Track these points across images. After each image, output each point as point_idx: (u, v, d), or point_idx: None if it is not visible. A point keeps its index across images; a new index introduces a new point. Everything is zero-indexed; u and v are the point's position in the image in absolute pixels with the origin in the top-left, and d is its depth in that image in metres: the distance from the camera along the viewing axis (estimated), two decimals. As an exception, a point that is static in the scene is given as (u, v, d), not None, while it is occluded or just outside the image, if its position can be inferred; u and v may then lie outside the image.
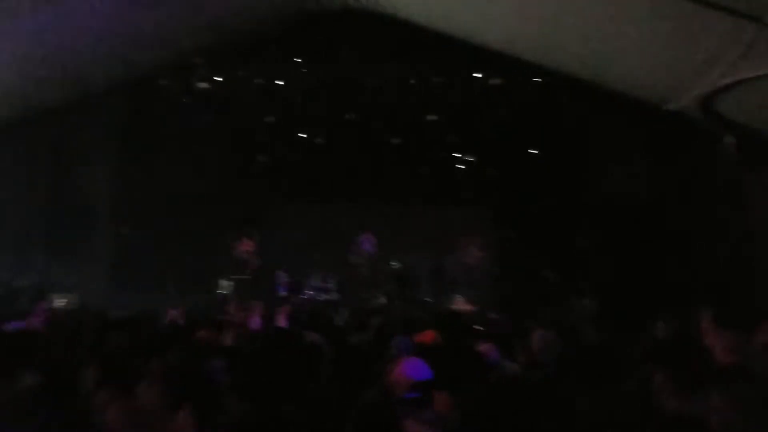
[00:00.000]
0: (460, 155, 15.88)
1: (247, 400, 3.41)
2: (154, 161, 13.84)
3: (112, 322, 6.68)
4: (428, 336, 5.05)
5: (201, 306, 12.21)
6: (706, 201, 11.87)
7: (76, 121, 12.33)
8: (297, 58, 13.52)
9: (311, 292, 14.72)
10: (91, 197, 13.43)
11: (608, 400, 3.16)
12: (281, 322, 7.62)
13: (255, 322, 7.49)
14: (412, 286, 14.57)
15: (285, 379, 3.26)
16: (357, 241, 15.78)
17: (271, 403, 3.14)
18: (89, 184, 13.31)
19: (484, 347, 4.22)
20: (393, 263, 14.83)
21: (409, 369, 3.21)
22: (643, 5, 7.86)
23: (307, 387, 3.19)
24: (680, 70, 8.93)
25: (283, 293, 14.62)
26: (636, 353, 4.92)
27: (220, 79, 13.62)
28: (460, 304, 14.29)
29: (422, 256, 15.10)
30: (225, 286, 14.62)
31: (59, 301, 11.22)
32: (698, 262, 11.37)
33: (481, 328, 7.23)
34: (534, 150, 15.17)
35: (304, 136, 15.59)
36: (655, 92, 10.20)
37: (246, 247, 14.82)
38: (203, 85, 13.54)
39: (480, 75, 13.47)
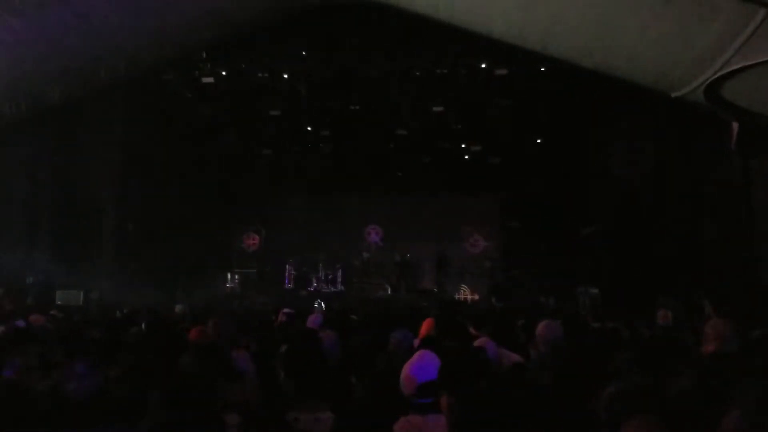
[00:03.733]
0: (465, 145, 15.83)
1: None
2: (159, 157, 13.85)
3: (117, 319, 6.67)
4: (427, 324, 5.01)
5: (207, 300, 12.28)
6: (710, 188, 11.77)
7: (80, 118, 12.31)
8: (301, 51, 13.44)
9: (317, 285, 14.76)
10: (97, 193, 13.45)
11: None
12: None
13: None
14: (417, 276, 14.59)
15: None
16: (363, 232, 15.80)
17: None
18: (95, 181, 13.33)
19: (480, 341, 4.17)
20: (398, 253, 14.85)
21: (416, 369, 3.20)
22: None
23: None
24: (687, 57, 8.78)
25: (289, 286, 14.68)
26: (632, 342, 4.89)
27: (224, 74, 13.57)
28: (465, 293, 14.35)
29: (428, 246, 15.12)
30: (232, 280, 14.68)
31: (66, 298, 11.26)
32: (701, 250, 11.29)
33: (484, 316, 7.18)
34: (539, 139, 15.09)
35: (310, 129, 15.57)
36: (661, 79, 10.05)
37: (252, 240, 14.87)
38: (207, 79, 13.49)
39: (485, 65, 13.33)
